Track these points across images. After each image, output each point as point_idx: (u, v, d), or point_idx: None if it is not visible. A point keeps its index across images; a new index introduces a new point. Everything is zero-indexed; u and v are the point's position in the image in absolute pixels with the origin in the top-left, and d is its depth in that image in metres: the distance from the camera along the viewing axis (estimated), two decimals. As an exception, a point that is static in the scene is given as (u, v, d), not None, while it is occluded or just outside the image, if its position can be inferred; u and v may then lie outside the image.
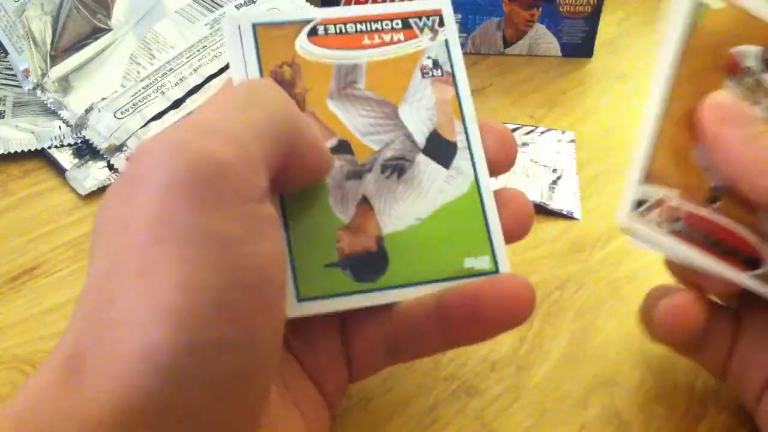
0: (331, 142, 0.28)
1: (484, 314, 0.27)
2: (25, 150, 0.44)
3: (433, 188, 0.28)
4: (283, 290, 0.22)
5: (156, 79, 0.46)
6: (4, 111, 0.47)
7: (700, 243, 0.28)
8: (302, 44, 0.29)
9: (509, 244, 0.29)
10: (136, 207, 0.20)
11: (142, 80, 0.46)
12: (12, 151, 0.44)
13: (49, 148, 0.44)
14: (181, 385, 0.19)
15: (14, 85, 0.48)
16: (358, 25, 0.29)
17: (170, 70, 0.47)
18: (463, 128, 0.29)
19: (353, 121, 0.28)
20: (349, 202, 0.27)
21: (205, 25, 0.50)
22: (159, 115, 0.45)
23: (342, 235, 0.27)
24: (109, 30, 0.49)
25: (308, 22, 0.29)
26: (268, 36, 0.28)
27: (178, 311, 0.19)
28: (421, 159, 0.28)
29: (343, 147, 0.28)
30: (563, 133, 0.46)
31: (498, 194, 0.29)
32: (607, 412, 0.32)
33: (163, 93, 0.45)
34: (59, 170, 0.43)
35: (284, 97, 0.24)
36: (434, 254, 0.28)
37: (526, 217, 0.29)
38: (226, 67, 0.47)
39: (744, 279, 0.28)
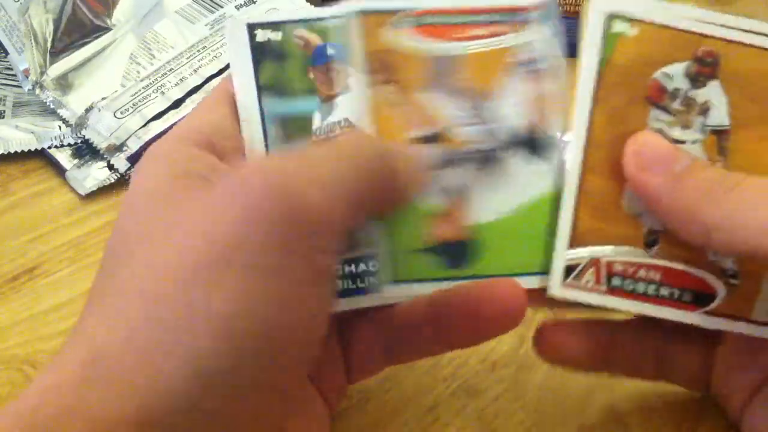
0: (425, 132, 0.28)
1: (477, 318, 0.27)
2: (25, 150, 0.44)
3: (523, 182, 0.28)
4: (319, 341, 0.22)
5: (156, 79, 0.46)
6: (4, 111, 0.47)
7: (642, 295, 0.26)
8: (398, 34, 0.28)
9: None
10: (212, 219, 0.20)
11: (142, 80, 0.46)
12: (12, 151, 0.44)
13: (49, 148, 0.44)
14: (221, 394, 0.19)
15: (14, 85, 0.48)
16: (458, 18, 0.29)
17: (170, 70, 0.47)
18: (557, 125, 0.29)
19: (447, 112, 0.28)
20: (441, 191, 0.28)
21: (206, 25, 0.50)
22: (159, 115, 0.45)
23: (436, 222, 0.27)
24: (110, 29, 0.49)
25: (406, 11, 0.29)
26: (366, 25, 0.28)
27: (227, 326, 0.19)
28: (513, 152, 0.28)
29: (436, 137, 0.28)
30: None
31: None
32: (607, 412, 0.32)
33: (163, 93, 0.45)
34: (59, 170, 0.43)
35: (376, 148, 0.24)
36: (523, 247, 0.27)
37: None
38: (226, 67, 0.47)
39: (697, 319, 0.26)
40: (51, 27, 0.48)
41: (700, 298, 0.26)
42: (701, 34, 0.26)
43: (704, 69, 0.26)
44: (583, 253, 0.26)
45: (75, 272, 0.38)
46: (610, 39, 0.26)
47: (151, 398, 0.19)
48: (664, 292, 0.26)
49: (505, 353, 0.34)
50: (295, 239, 0.20)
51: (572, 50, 0.57)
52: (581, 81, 0.26)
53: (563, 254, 0.26)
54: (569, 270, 0.26)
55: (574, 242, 0.26)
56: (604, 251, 0.26)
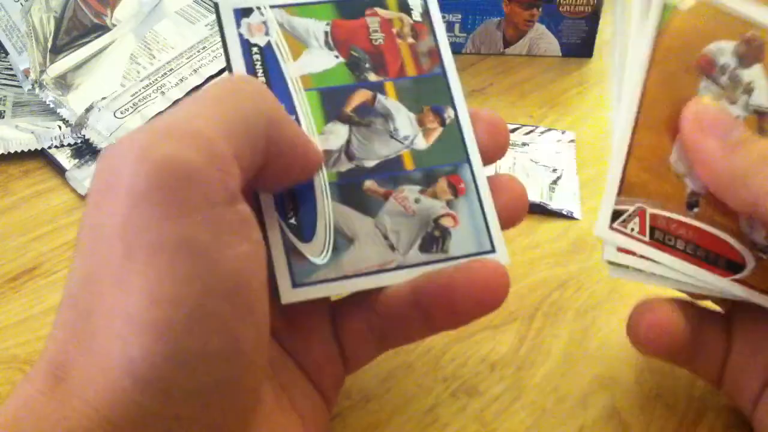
0: None
1: (459, 301, 0.27)
2: (25, 150, 0.44)
3: None
4: (264, 291, 0.22)
5: (156, 79, 0.46)
6: (4, 111, 0.47)
7: (680, 251, 0.27)
8: None
9: (506, 230, 0.29)
10: (106, 216, 0.20)
11: (142, 80, 0.46)
12: (12, 151, 0.44)
13: (49, 148, 0.44)
14: (166, 396, 0.19)
15: (14, 85, 0.48)
16: None
17: (170, 70, 0.47)
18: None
19: None
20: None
21: (206, 25, 0.50)
22: (159, 115, 0.45)
23: None
24: (110, 29, 0.49)
25: None
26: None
27: (154, 323, 0.19)
28: None
29: None
30: (563, 133, 0.46)
31: (491, 181, 0.29)
32: (607, 412, 0.32)
33: (163, 93, 0.45)
34: (59, 170, 0.43)
35: (262, 93, 0.24)
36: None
37: (520, 202, 0.29)
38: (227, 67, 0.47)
39: (727, 285, 0.27)
40: (52, 26, 0.48)
41: (731, 266, 0.28)
42: (747, 21, 0.28)
43: (751, 51, 0.28)
44: (631, 202, 0.28)
45: (75, 272, 0.38)
46: (666, 9, 0.28)
47: (108, 410, 0.19)
48: (700, 253, 0.28)
49: (505, 353, 0.34)
50: (181, 202, 0.20)
51: (572, 50, 0.57)
52: (638, 44, 0.28)
53: (612, 198, 0.28)
54: (616, 215, 0.28)
55: (623, 190, 0.28)
56: (650, 203, 0.28)
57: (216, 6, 0.29)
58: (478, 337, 0.34)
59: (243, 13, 0.29)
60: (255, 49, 0.28)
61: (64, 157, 0.44)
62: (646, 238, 0.27)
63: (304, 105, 0.28)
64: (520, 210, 0.29)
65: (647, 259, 0.28)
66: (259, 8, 0.29)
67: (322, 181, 0.27)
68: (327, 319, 0.29)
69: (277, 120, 0.24)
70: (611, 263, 0.28)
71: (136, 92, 0.46)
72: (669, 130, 0.28)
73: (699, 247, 0.27)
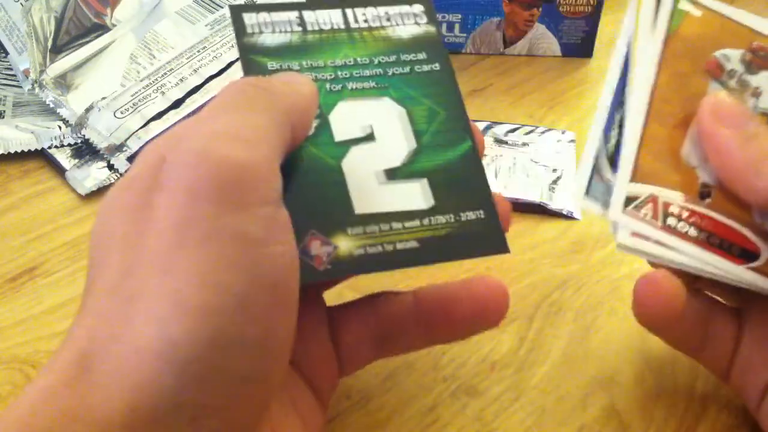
0: None
1: (459, 316, 0.27)
2: (25, 150, 0.44)
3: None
4: (296, 291, 0.23)
5: (156, 79, 0.46)
6: (4, 111, 0.47)
7: (693, 237, 0.28)
8: None
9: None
10: (160, 212, 0.21)
11: (142, 80, 0.46)
12: (12, 151, 0.44)
13: (49, 148, 0.44)
14: (199, 382, 0.20)
15: (14, 85, 0.48)
16: None
17: (170, 70, 0.47)
18: None
19: None
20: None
21: (206, 26, 0.50)
22: (159, 115, 0.45)
23: None
24: (110, 29, 0.49)
25: None
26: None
27: (201, 307, 0.20)
28: None
29: None
30: (563, 133, 0.46)
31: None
32: (607, 412, 0.32)
33: (163, 93, 0.45)
34: (59, 170, 0.43)
35: (275, 91, 0.25)
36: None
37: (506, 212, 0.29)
38: (227, 67, 0.47)
39: (740, 272, 0.27)
40: (52, 26, 0.48)
41: (745, 254, 0.28)
42: (754, 31, 0.29)
43: (757, 59, 0.29)
44: (644, 188, 0.28)
45: (75, 272, 0.38)
46: (676, 14, 0.29)
47: (135, 396, 0.19)
48: (714, 240, 0.28)
49: (505, 353, 0.34)
50: (238, 199, 0.21)
51: (572, 50, 0.57)
52: (648, 44, 0.29)
53: (625, 183, 0.28)
54: (629, 201, 0.28)
55: (635, 177, 0.28)
56: (662, 191, 0.28)
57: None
58: (478, 337, 0.34)
59: None
60: None
61: (64, 157, 0.44)
62: (659, 224, 0.28)
63: None
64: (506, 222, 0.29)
65: (661, 244, 0.28)
66: None
67: None
68: (325, 321, 0.29)
69: (299, 109, 0.25)
70: (623, 246, 0.28)
71: (136, 92, 0.46)
72: (680, 125, 0.28)
73: (713, 234, 0.28)
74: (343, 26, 0.31)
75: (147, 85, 0.46)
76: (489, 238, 0.27)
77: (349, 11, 0.31)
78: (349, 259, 0.26)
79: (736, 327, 0.30)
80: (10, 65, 0.49)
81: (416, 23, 0.32)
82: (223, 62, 0.47)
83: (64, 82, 0.47)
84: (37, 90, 0.46)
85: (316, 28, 0.30)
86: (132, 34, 0.49)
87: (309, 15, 0.31)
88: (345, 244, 0.26)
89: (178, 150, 0.22)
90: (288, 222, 0.23)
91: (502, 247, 0.28)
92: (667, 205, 0.28)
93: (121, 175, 0.43)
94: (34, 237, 0.40)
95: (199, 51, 0.48)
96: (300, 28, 0.30)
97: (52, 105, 0.46)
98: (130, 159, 0.43)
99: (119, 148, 0.44)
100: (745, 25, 0.30)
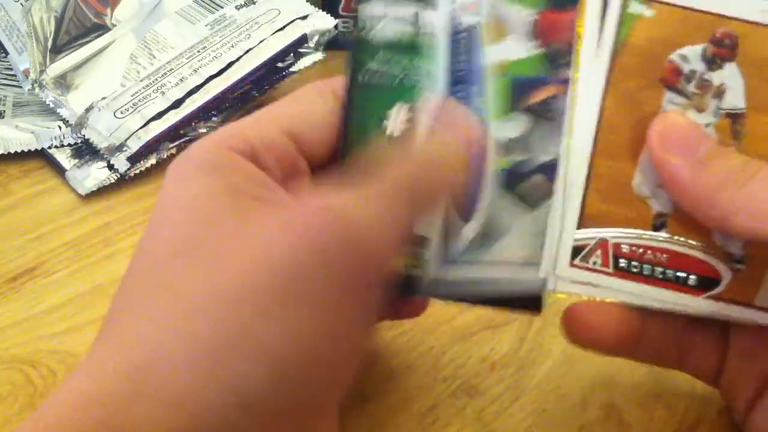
0: None
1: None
2: (25, 150, 0.44)
3: None
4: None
5: (156, 79, 0.46)
6: (4, 111, 0.47)
7: (648, 276, 0.27)
8: None
9: None
10: (272, 246, 0.21)
11: (142, 80, 0.46)
12: (12, 151, 0.44)
13: (49, 148, 0.44)
14: (260, 420, 0.20)
15: (14, 85, 0.48)
16: None
17: (170, 70, 0.47)
18: None
19: None
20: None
21: (206, 25, 0.50)
22: (159, 115, 0.45)
23: None
24: (110, 29, 0.49)
25: None
26: None
27: (277, 356, 0.20)
28: None
29: None
30: (563, 133, 0.46)
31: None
32: (607, 412, 0.32)
33: (163, 93, 0.45)
34: (59, 170, 0.43)
35: (427, 179, 0.25)
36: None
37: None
38: (227, 67, 0.47)
39: (701, 303, 0.26)
40: (53, 26, 0.48)
41: (705, 282, 0.26)
42: (720, 15, 0.26)
43: (721, 51, 0.26)
44: (591, 234, 0.27)
45: (75, 272, 0.38)
46: (626, 20, 0.26)
47: (196, 418, 0.19)
48: (670, 274, 0.26)
49: (505, 353, 0.34)
50: (354, 276, 0.21)
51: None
52: (593, 64, 0.26)
53: (572, 235, 0.27)
54: (576, 251, 0.27)
55: (582, 224, 0.27)
56: (612, 233, 0.27)
57: None
58: (478, 337, 0.34)
59: None
60: (463, 28, 0.28)
61: (64, 157, 0.44)
62: (610, 269, 0.27)
63: (493, 90, 0.28)
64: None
65: (611, 289, 0.27)
66: None
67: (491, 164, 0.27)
68: None
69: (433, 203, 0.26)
70: (566, 293, 0.27)
71: (136, 92, 0.46)
72: (630, 153, 0.26)
73: (668, 269, 0.26)
74: None
75: (147, 85, 0.46)
76: None
77: None
78: None
79: (720, 339, 0.29)
80: (10, 65, 0.49)
81: None
82: (223, 62, 0.47)
83: (64, 82, 0.47)
84: (37, 90, 0.46)
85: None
86: (132, 34, 0.49)
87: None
88: None
89: (319, 204, 0.22)
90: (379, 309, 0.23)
91: None
92: (617, 246, 0.26)
93: (121, 175, 0.43)
94: (34, 237, 0.40)
95: (199, 51, 0.48)
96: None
97: (52, 105, 0.46)
98: (130, 159, 0.43)
99: (119, 148, 0.44)
100: (707, 11, 0.25)
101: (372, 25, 0.29)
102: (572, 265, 0.27)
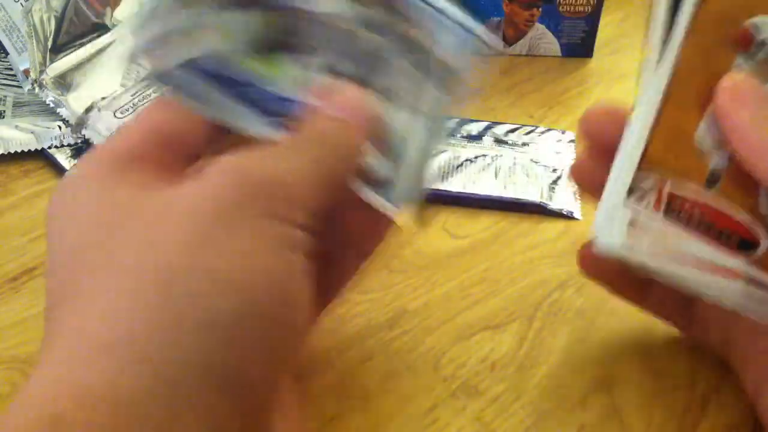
0: None
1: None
2: (25, 150, 0.44)
3: None
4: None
5: (156, 79, 0.46)
6: (4, 111, 0.47)
7: (693, 227, 0.27)
8: None
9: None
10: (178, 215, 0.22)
11: (142, 80, 0.46)
12: (12, 151, 0.44)
13: (49, 148, 0.44)
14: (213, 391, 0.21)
15: (14, 85, 0.48)
16: None
17: (170, 70, 0.47)
18: None
19: None
20: None
21: (205, 25, 0.50)
22: (159, 115, 0.45)
23: None
24: (110, 29, 0.49)
25: None
26: None
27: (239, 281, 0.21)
28: None
29: None
30: (563, 133, 0.46)
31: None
32: (607, 412, 0.32)
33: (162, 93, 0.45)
34: (59, 170, 0.43)
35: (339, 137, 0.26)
36: None
37: None
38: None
39: (736, 263, 0.27)
40: (53, 25, 0.48)
41: (745, 245, 0.27)
42: None
43: None
44: (649, 176, 0.28)
45: (75, 272, 0.38)
46: None
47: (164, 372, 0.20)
48: (713, 229, 0.27)
49: (505, 353, 0.34)
50: (274, 212, 0.22)
51: (572, 50, 0.57)
52: (678, 17, 0.27)
53: (630, 174, 0.28)
54: (631, 191, 0.28)
55: (642, 165, 0.28)
56: (665, 181, 0.28)
57: None
58: (478, 337, 0.34)
59: None
60: None
61: (64, 157, 0.44)
62: (660, 213, 0.28)
63: None
64: None
65: (657, 236, 0.28)
66: None
67: None
68: None
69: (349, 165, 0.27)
70: (607, 246, 0.28)
71: (136, 92, 0.46)
72: (699, 104, 0.28)
73: (712, 225, 0.27)
74: None
75: (147, 85, 0.46)
76: None
77: None
78: None
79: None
80: (10, 65, 0.49)
81: None
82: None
83: (64, 82, 0.47)
84: (37, 90, 0.46)
85: None
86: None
87: None
88: None
89: (228, 161, 0.23)
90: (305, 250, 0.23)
91: None
92: (671, 195, 0.28)
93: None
94: (34, 237, 0.40)
95: (199, 51, 0.48)
96: None
97: (52, 105, 0.46)
98: (130, 159, 0.43)
99: (119, 148, 0.44)
100: None
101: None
102: (627, 201, 0.28)
